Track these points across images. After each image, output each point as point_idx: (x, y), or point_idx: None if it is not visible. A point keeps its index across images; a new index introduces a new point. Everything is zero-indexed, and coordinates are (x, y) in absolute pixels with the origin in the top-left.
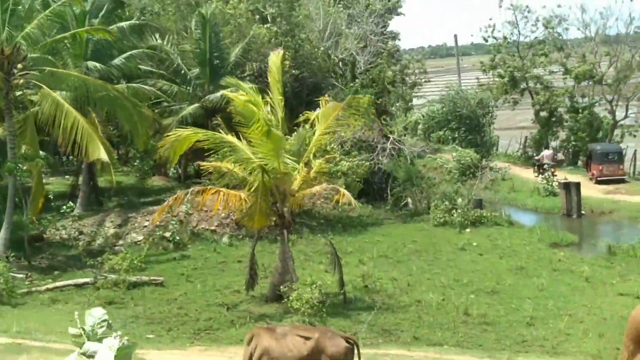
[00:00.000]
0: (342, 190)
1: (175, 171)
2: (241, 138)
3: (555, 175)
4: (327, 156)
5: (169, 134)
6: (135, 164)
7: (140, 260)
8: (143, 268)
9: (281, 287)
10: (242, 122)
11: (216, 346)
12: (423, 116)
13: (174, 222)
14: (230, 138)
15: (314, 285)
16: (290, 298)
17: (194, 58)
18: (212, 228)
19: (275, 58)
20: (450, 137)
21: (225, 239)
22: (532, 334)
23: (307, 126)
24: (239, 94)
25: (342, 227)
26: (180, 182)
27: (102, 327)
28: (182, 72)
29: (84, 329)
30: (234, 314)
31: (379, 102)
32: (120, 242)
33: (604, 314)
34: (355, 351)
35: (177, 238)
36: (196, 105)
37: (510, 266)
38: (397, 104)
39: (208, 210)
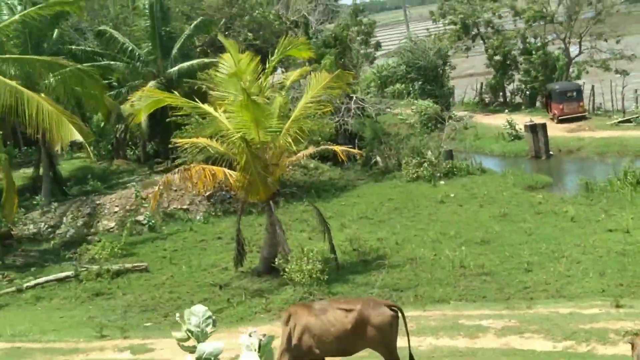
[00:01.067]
0: (337, 147)
1: (133, 153)
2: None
3: None
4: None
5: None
6: (92, 149)
7: (120, 248)
8: (124, 255)
9: (276, 260)
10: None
11: (225, 327)
12: (375, 73)
13: (145, 205)
14: (208, 108)
15: (311, 254)
16: (287, 270)
17: (144, 35)
18: (185, 207)
19: None
20: (404, 91)
21: (199, 217)
22: (532, 280)
23: (283, 91)
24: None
25: (316, 192)
26: (142, 164)
27: (208, 324)
28: (131, 49)
29: (190, 331)
30: (229, 292)
31: (342, 61)
32: (92, 230)
33: (598, 252)
34: (401, 317)
35: (152, 222)
36: (153, 82)
37: (493, 214)
38: (360, 63)
39: (178, 190)
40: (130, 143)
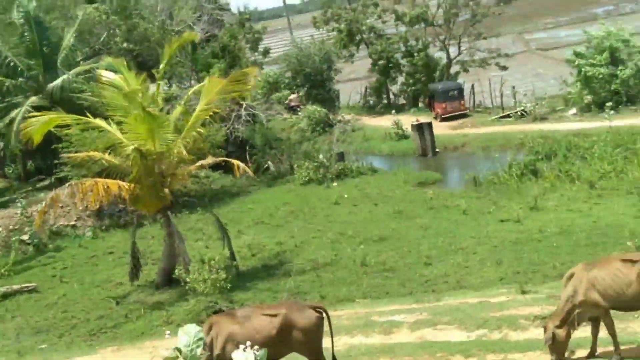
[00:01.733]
0: (236, 161)
1: (12, 171)
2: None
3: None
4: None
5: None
6: None
7: (7, 269)
8: (11, 276)
9: (176, 271)
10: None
11: (128, 344)
12: (259, 80)
13: (29, 224)
14: (100, 122)
15: (213, 263)
16: (189, 280)
17: (23, 50)
18: (72, 223)
19: None
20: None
21: (88, 233)
22: (433, 273)
23: (183, 101)
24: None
25: (209, 200)
26: (23, 181)
27: (199, 346)
28: (12, 64)
29: (179, 350)
30: (126, 306)
31: (232, 70)
32: None
33: (493, 242)
34: (326, 318)
35: (36, 240)
36: (35, 97)
37: (388, 212)
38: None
39: (65, 206)
40: (9, 161)
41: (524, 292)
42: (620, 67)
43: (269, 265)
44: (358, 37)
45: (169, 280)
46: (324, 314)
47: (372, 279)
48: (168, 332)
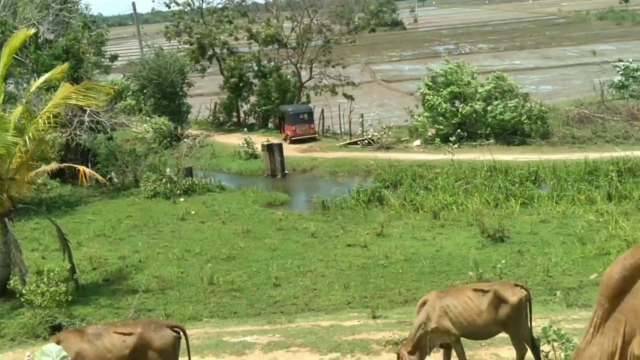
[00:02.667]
0: (82, 167)
1: None
2: None
3: None
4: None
5: None
6: None
7: None
8: None
9: (10, 282)
10: None
11: None
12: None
13: None
14: None
15: (52, 275)
16: (25, 292)
17: None
18: None
19: None
20: (136, 107)
21: None
22: (282, 294)
23: (24, 100)
24: None
25: (47, 208)
26: None
27: None
28: None
29: None
30: None
31: (75, 74)
32: None
33: (341, 266)
34: (183, 338)
35: None
36: None
37: (236, 230)
38: (95, 74)
39: None
40: None
41: (375, 317)
42: (462, 105)
43: (111, 280)
44: (210, 52)
45: (2, 291)
46: (182, 334)
47: (219, 298)
48: (28, 353)
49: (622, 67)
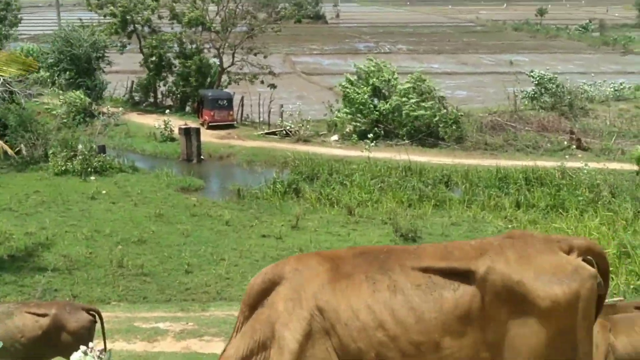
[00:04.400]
0: None
1: None
2: None
3: None
4: None
5: None
6: None
7: None
8: None
9: None
10: None
11: None
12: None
13: None
14: None
15: None
16: None
17: None
18: None
19: None
20: (49, 80)
21: None
22: (193, 281)
23: None
24: None
25: None
26: None
27: None
28: None
29: None
30: None
31: None
32: None
33: (254, 256)
34: (99, 322)
35: None
36: None
37: (149, 214)
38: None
39: None
40: None
41: None
42: (381, 102)
43: (16, 257)
44: (131, 28)
45: None
46: (98, 317)
47: (129, 282)
48: None
49: (537, 77)
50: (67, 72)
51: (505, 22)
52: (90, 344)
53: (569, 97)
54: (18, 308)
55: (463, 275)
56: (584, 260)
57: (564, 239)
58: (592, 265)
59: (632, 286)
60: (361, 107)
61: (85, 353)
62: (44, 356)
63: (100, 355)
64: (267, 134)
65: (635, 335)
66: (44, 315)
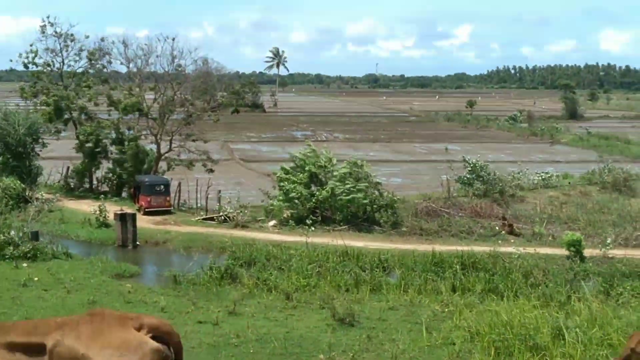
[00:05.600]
0: None
1: None
2: None
3: None
4: None
5: None
6: None
7: None
8: None
9: None
10: None
11: None
12: None
13: None
14: None
15: None
16: None
17: None
18: None
19: None
20: None
21: None
22: None
23: None
24: None
25: None
26: None
27: None
28: None
29: None
30: None
31: None
32: None
33: (191, 342)
34: None
35: None
36: None
37: (82, 301)
38: None
39: None
40: None
41: None
42: (318, 188)
43: None
44: (67, 115)
45: None
46: None
47: None
48: None
49: (471, 165)
50: (1, 157)
51: (437, 112)
52: None
53: (500, 184)
54: None
55: (38, 350)
56: (154, 337)
57: (136, 317)
58: (162, 341)
59: None
60: (297, 195)
61: None
62: None
63: None
64: (204, 219)
65: None
66: None
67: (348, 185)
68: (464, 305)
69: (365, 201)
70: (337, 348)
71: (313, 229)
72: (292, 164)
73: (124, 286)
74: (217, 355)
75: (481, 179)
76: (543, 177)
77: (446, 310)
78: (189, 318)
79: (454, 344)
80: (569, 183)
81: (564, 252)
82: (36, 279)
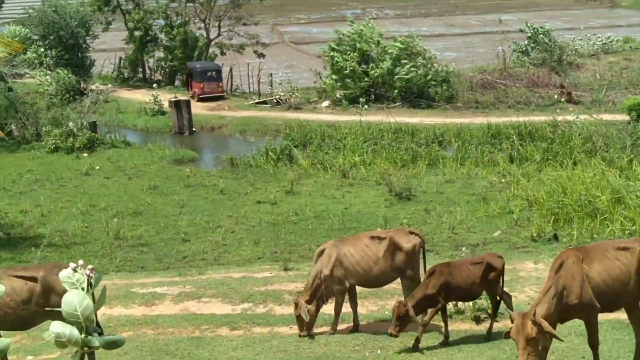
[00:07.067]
0: None
1: None
2: None
3: None
4: None
5: None
6: None
7: None
8: None
9: None
10: None
11: None
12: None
13: None
14: None
15: None
16: None
17: None
18: None
19: None
20: (37, 60)
21: None
22: (190, 249)
23: None
24: None
25: None
26: None
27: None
28: None
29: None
30: None
31: None
32: None
33: (251, 222)
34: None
35: None
36: None
37: (143, 186)
38: None
39: None
40: None
41: (286, 269)
42: (370, 66)
43: (12, 234)
44: (114, 3)
45: None
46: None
47: (126, 252)
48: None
49: (531, 30)
50: (54, 50)
51: None
52: (80, 262)
53: (558, 51)
54: (6, 272)
55: None
56: None
57: None
58: None
59: (627, 232)
60: (350, 73)
61: (75, 270)
62: (34, 320)
63: (90, 274)
64: (257, 103)
65: (608, 261)
66: (32, 279)
67: (407, 66)
68: (521, 175)
69: (425, 78)
70: (395, 222)
71: (367, 107)
72: (339, 43)
73: (183, 171)
74: (277, 232)
75: (539, 47)
76: (604, 41)
77: (503, 180)
78: (248, 199)
79: (512, 212)
80: (630, 47)
81: (624, 117)
82: (98, 167)
